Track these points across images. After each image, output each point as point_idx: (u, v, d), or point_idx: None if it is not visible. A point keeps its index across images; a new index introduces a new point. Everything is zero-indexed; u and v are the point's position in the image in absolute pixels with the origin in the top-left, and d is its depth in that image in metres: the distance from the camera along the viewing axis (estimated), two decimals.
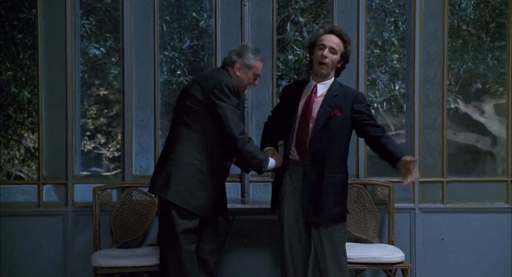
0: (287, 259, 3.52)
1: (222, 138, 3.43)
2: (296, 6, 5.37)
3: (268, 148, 3.62)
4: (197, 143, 3.43)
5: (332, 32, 3.51)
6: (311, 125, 3.44)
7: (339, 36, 3.48)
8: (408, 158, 3.35)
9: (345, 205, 3.52)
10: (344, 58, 3.51)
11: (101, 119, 5.90)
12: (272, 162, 3.51)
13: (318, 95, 3.49)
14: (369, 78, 5.02)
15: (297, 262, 3.52)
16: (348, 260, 3.61)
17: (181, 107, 3.49)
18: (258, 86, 4.51)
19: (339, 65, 3.51)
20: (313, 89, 3.51)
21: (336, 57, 3.46)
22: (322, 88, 3.51)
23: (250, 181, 4.58)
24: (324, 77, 3.50)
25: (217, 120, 3.39)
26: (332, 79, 3.53)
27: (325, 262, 3.44)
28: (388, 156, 3.42)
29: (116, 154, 5.94)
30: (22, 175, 5.76)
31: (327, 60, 3.44)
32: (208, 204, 3.48)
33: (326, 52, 3.44)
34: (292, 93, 3.60)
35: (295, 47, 5.45)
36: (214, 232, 3.66)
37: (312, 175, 3.42)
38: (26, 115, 5.45)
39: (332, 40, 3.46)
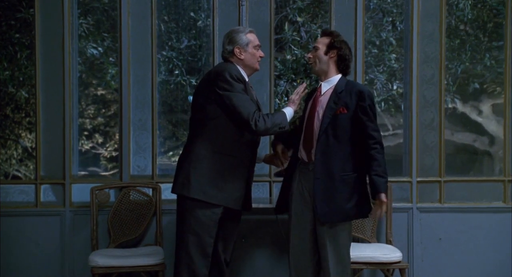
0: (291, 260, 3.53)
1: (240, 127, 3.45)
2: (294, 6, 5.37)
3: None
4: (214, 137, 3.45)
5: (321, 33, 3.67)
6: (316, 124, 3.46)
7: (323, 33, 3.63)
8: (383, 198, 3.39)
9: (361, 202, 3.45)
10: (333, 47, 3.50)
11: (99, 118, 5.90)
12: (289, 112, 3.52)
13: (322, 93, 3.52)
14: (367, 77, 5.02)
15: (301, 263, 3.52)
16: None
17: (194, 106, 3.56)
18: (256, 86, 4.53)
19: (332, 56, 3.51)
20: (318, 88, 3.56)
21: (320, 51, 3.52)
22: (326, 86, 3.53)
23: None
24: (325, 75, 3.54)
25: (228, 111, 3.42)
26: (337, 76, 3.53)
27: (327, 263, 3.43)
28: (370, 182, 3.43)
29: (113, 153, 5.93)
30: (19, 175, 5.74)
31: (310, 60, 3.57)
32: (236, 194, 3.49)
33: (309, 53, 3.59)
34: (309, 97, 3.65)
35: (293, 46, 5.45)
36: (233, 230, 3.65)
37: (322, 174, 3.40)
38: (23, 115, 5.44)
39: (316, 41, 3.61)
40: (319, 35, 3.68)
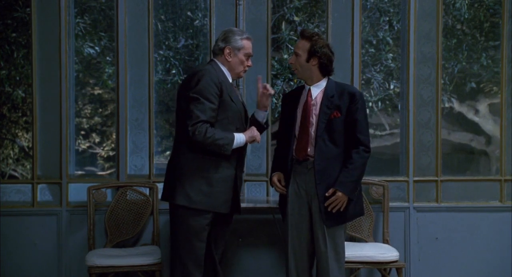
0: (290, 260, 3.53)
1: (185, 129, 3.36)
2: (291, 5, 5.37)
3: (275, 173, 3.61)
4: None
5: (299, 35, 3.53)
6: (311, 129, 3.46)
7: (302, 36, 3.49)
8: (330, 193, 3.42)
9: (358, 202, 3.54)
10: (314, 55, 3.43)
11: (96, 118, 5.89)
12: (240, 139, 3.41)
13: (313, 98, 3.50)
14: (364, 77, 5.03)
15: (300, 264, 3.53)
16: None
17: (178, 109, 3.49)
18: (253, 86, 4.53)
19: (314, 64, 3.46)
20: (307, 93, 3.53)
21: (301, 58, 3.46)
22: (316, 91, 3.51)
23: (245, 180, 4.58)
24: (311, 80, 3.52)
25: (183, 110, 3.36)
26: (324, 79, 3.53)
27: (327, 262, 3.45)
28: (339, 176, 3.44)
29: (110, 153, 5.92)
30: (16, 174, 5.73)
31: (293, 66, 3.52)
32: (223, 198, 3.43)
33: (291, 58, 3.51)
34: (291, 99, 3.60)
35: (290, 46, 5.45)
36: (224, 231, 3.62)
37: (323, 180, 3.43)
38: (20, 114, 5.43)
39: (296, 45, 3.51)
40: (299, 36, 3.53)
